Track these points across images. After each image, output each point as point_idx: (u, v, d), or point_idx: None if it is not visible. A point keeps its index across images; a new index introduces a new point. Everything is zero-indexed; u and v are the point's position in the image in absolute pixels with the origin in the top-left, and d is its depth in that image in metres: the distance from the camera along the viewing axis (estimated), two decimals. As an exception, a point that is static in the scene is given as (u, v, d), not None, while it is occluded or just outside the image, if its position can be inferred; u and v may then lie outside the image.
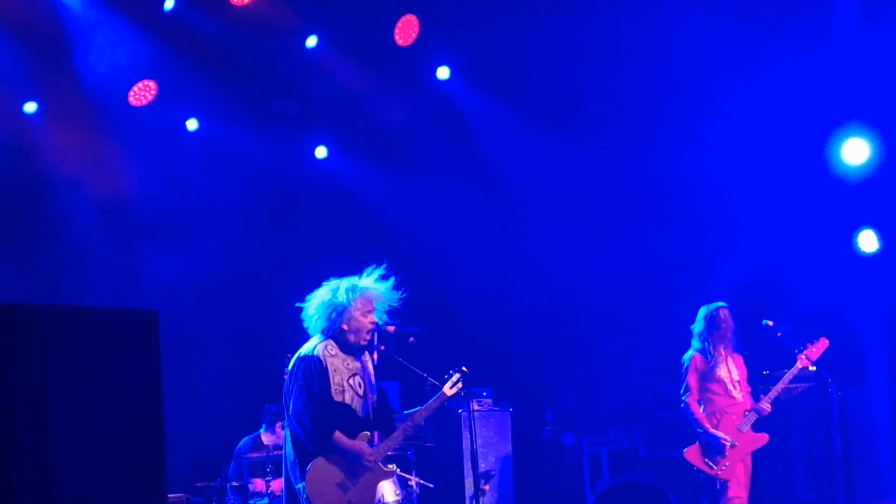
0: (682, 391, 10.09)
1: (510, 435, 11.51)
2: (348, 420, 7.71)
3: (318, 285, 12.82)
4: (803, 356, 9.93)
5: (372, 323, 7.88)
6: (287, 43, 12.47)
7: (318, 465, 7.61)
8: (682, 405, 10.09)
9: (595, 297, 13.81)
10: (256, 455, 10.47)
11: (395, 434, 7.99)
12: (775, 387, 9.99)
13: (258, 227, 12.89)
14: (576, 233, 13.58)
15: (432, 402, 8.13)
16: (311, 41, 12.64)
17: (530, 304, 13.84)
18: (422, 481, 10.25)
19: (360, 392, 7.84)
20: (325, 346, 7.75)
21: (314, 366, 7.65)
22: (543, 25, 12.45)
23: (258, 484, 10.37)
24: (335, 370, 7.69)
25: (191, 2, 11.77)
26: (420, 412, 8.08)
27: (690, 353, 10.20)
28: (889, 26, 11.35)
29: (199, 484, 10.48)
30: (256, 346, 12.29)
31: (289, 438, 7.76)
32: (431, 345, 9.21)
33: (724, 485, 9.96)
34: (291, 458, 7.69)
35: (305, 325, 7.93)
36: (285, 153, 13.22)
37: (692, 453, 10.06)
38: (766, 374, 10.53)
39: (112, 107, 11.92)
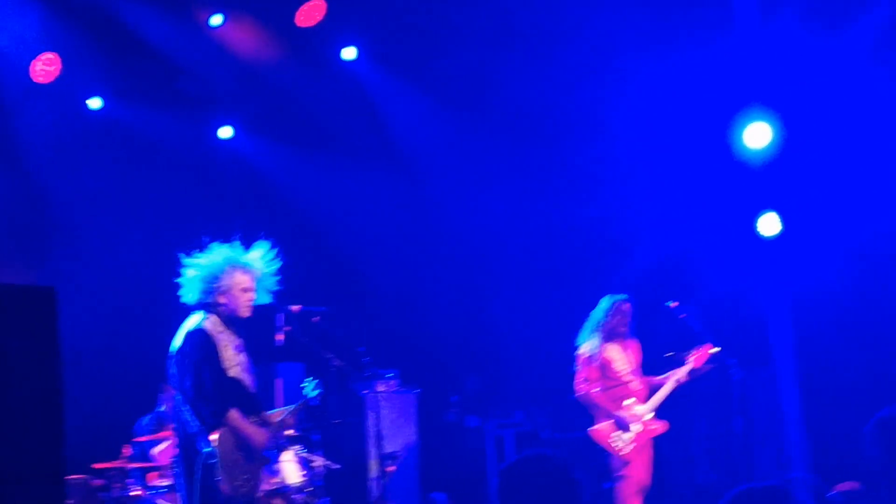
0: (580, 381, 9.94)
1: (416, 416, 11.48)
2: (243, 396, 7.41)
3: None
4: (689, 361, 9.94)
5: (250, 300, 7.53)
6: (191, 21, 12.30)
7: (227, 433, 7.27)
8: (581, 395, 9.94)
9: (503, 281, 13.86)
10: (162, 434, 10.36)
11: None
12: (661, 390, 9.99)
13: (161, 208, 12.68)
14: (484, 215, 13.61)
15: (296, 407, 7.85)
16: (216, 19, 12.48)
17: (439, 286, 13.86)
18: (327, 462, 10.22)
19: (246, 368, 7.52)
20: (210, 321, 7.41)
21: (204, 341, 7.31)
22: (450, 7, 12.44)
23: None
24: (224, 345, 7.37)
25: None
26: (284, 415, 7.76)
27: (587, 340, 10.05)
28: (789, 10, 11.51)
29: (96, 465, 10.34)
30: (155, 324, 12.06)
31: (188, 412, 7.35)
32: (338, 325, 9.10)
33: (624, 465, 9.91)
34: (195, 430, 7.29)
35: (181, 291, 7.53)
36: (189, 133, 13.04)
37: (599, 432, 10.07)
38: (671, 355, 10.53)
39: (14, 82, 11.68)
